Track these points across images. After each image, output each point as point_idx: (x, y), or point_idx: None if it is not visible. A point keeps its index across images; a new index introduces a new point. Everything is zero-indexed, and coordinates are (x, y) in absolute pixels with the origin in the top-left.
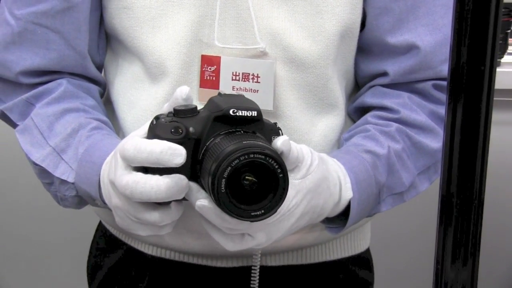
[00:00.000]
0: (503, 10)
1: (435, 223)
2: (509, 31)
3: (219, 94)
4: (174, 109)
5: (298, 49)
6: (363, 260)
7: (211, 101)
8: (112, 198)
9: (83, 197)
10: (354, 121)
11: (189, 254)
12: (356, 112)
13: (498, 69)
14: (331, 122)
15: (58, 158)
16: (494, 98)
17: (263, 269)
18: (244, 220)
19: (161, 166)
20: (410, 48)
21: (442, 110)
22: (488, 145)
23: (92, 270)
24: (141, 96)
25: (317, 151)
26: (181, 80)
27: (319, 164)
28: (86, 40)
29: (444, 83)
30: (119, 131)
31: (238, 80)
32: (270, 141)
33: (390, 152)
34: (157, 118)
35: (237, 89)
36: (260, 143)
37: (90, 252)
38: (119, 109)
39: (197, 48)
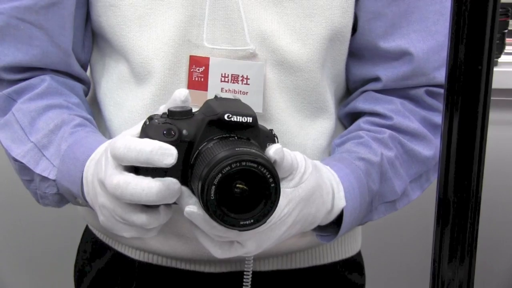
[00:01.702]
0: (500, 10)
1: (428, 225)
2: (506, 31)
3: (216, 97)
4: (169, 110)
5: (287, 52)
6: (354, 264)
7: (206, 104)
8: (98, 197)
9: (64, 194)
10: (345, 126)
11: (177, 259)
12: (348, 117)
13: (495, 69)
14: (320, 125)
15: (39, 155)
16: (492, 98)
17: (254, 274)
18: (233, 229)
19: (151, 166)
20: (403, 54)
21: (434, 116)
22: (485, 144)
23: (79, 275)
24: (127, 97)
25: (306, 154)
26: (168, 81)
27: (313, 172)
28: (71, 38)
29: (437, 89)
30: (105, 132)
31: (227, 81)
32: (264, 148)
33: (383, 159)
34: (150, 118)
35: (226, 90)
36: (253, 150)
37: (77, 256)
38: (106, 110)
39: (185, 48)
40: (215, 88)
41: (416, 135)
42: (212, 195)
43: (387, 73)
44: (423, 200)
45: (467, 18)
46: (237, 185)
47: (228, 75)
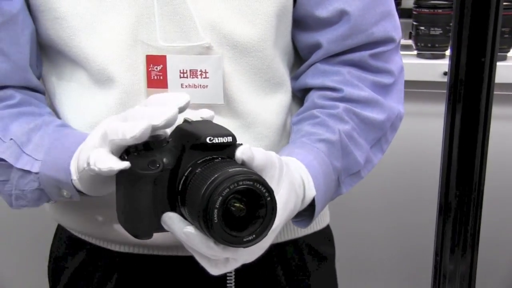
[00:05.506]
0: (509, 3)
1: (426, 217)
2: None
3: (186, 121)
4: (144, 142)
5: (239, 35)
6: (324, 235)
7: (180, 129)
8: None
9: (45, 189)
10: (299, 98)
11: (157, 247)
12: (300, 92)
13: (505, 63)
14: (280, 99)
15: (18, 151)
16: (502, 92)
17: None
18: (238, 247)
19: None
20: (340, 15)
21: (382, 78)
22: (488, 137)
23: (54, 274)
24: (89, 104)
25: (271, 130)
26: (128, 83)
27: (287, 172)
28: (26, 52)
29: (380, 49)
30: None
31: (186, 77)
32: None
33: (341, 135)
34: (127, 152)
35: (186, 86)
36: (244, 169)
37: (50, 256)
38: (66, 119)
39: (140, 49)
40: (175, 85)
41: (367, 102)
42: (215, 218)
43: (327, 36)
44: (425, 191)
45: (470, 9)
46: (234, 204)
47: (186, 70)
